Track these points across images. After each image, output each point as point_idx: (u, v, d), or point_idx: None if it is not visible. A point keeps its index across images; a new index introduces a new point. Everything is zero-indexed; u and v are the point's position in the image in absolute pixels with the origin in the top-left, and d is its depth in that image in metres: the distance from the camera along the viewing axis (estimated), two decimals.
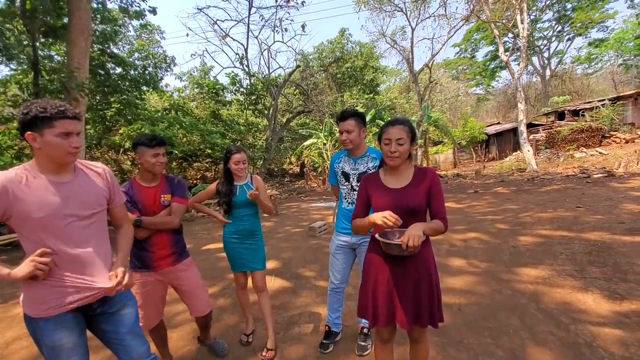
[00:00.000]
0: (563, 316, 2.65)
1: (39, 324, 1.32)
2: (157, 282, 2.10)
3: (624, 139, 17.57)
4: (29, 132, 1.27)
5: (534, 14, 27.01)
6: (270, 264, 4.47)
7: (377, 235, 1.51)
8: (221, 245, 2.59)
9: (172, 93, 19.15)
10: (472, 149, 24.72)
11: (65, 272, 1.33)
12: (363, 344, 2.39)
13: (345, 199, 2.33)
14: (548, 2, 26.08)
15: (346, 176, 2.31)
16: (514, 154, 20.97)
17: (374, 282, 1.66)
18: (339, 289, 2.46)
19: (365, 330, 2.44)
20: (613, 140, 17.98)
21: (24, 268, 1.25)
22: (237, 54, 18.97)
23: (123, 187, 2.02)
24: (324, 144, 16.46)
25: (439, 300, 1.64)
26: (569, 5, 28.71)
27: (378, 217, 1.50)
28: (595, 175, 11.07)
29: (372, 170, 2.19)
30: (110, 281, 1.38)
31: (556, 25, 31.06)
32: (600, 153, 16.20)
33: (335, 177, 2.43)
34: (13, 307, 3.68)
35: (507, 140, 23.38)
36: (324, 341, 2.46)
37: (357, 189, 2.22)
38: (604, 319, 2.56)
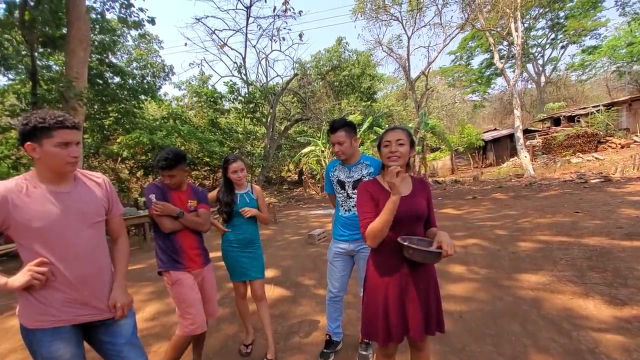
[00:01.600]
0: (565, 322, 2.63)
1: (36, 335, 1.30)
2: (194, 281, 2.13)
3: (619, 144, 17.71)
4: (28, 143, 1.27)
5: (527, 22, 27.37)
6: (269, 273, 4.44)
7: (400, 240, 1.47)
8: (219, 254, 2.58)
9: (171, 102, 19.20)
10: (469, 155, 24.82)
11: (63, 283, 1.31)
12: (364, 353, 2.36)
13: (342, 206, 2.33)
14: (541, 10, 26.48)
15: (342, 184, 2.31)
16: (511, 159, 21.07)
17: (383, 296, 1.57)
18: (337, 297, 2.43)
19: (366, 340, 2.42)
20: (609, 146, 18.13)
21: (20, 277, 1.24)
22: (235, 62, 19.07)
23: (157, 182, 2.14)
24: (322, 152, 16.49)
25: (441, 305, 1.66)
26: (562, 14, 29.19)
27: (390, 177, 1.46)
28: (592, 181, 11.13)
29: (367, 177, 2.19)
30: (111, 309, 1.44)
31: (550, 33, 31.52)
32: (596, 158, 16.30)
33: (331, 186, 2.43)
34: (8, 319, 3.62)
35: (504, 146, 23.50)
36: (325, 350, 2.43)
37: (353, 196, 2.23)
38: (606, 325, 2.54)
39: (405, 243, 1.45)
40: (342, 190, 2.31)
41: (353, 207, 2.25)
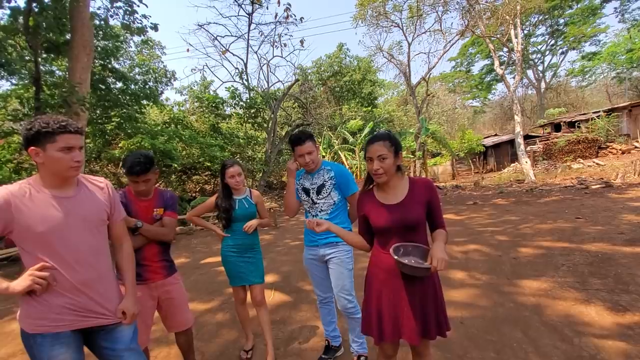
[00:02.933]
0: (566, 329, 2.62)
1: (36, 340, 1.30)
2: (148, 297, 2.01)
3: (620, 149, 17.72)
4: (32, 147, 1.28)
5: (527, 28, 27.60)
6: (269, 278, 4.43)
7: (392, 253, 1.45)
8: (219, 259, 2.58)
9: (172, 107, 19.26)
10: (470, 161, 24.83)
11: (65, 288, 1.32)
12: None
13: (310, 212, 2.37)
14: (541, 17, 26.69)
15: (306, 191, 2.35)
16: (512, 165, 21.08)
17: (377, 296, 1.62)
18: (326, 299, 2.45)
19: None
20: (609, 151, 18.14)
21: (22, 282, 1.24)
22: (236, 68, 19.25)
23: (119, 194, 1.99)
24: (323, 157, 16.53)
25: (443, 308, 1.63)
26: (561, 21, 29.41)
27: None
28: (593, 186, 11.11)
29: (329, 181, 2.27)
30: (119, 315, 1.46)
31: (549, 40, 31.70)
32: (597, 164, 16.31)
33: (298, 196, 2.44)
34: (7, 323, 3.61)
35: (505, 151, 23.52)
36: (323, 356, 2.43)
37: (317, 202, 2.29)
38: (608, 332, 2.53)
39: (395, 257, 1.43)
40: (307, 197, 2.34)
41: (320, 212, 2.29)
